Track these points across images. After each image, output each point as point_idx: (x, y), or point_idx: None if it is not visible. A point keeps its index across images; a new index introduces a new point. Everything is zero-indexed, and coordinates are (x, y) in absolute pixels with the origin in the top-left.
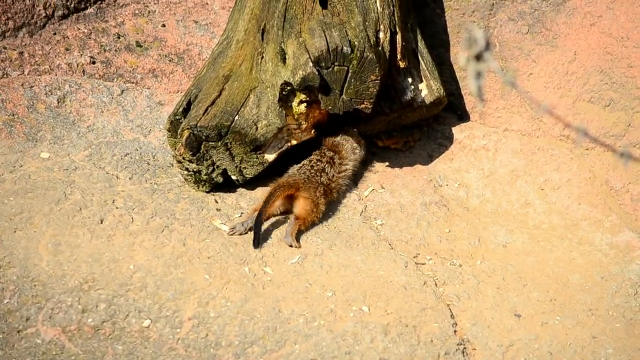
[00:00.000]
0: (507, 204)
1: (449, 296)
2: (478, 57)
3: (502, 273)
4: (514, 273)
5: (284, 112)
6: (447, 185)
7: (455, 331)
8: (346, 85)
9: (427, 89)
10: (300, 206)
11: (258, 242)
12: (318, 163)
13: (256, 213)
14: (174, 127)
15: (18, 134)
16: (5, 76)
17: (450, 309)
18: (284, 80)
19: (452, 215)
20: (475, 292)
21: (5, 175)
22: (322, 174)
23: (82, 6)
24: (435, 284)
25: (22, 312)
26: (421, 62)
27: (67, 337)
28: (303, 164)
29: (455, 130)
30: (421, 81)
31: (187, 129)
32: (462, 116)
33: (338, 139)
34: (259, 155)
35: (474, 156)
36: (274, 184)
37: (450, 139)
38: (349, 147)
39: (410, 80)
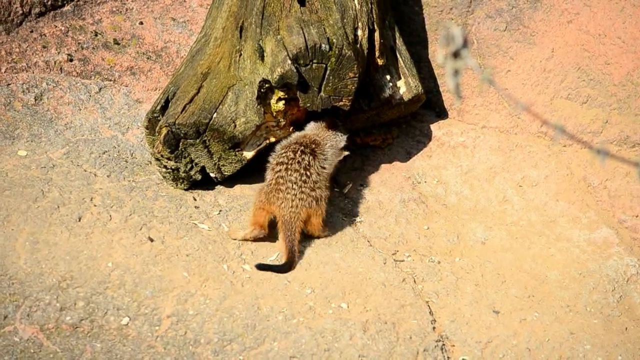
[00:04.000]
0: (486, 200)
1: (428, 293)
2: (456, 55)
3: (480, 270)
4: (492, 270)
5: (262, 109)
6: (425, 182)
7: (434, 328)
8: (324, 82)
9: (406, 86)
10: (313, 224)
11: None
12: (312, 176)
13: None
14: (152, 124)
15: None
16: None
17: (429, 306)
18: (262, 78)
19: (431, 212)
20: (454, 289)
21: None
22: (318, 183)
23: (59, 4)
24: (414, 281)
25: (0, 310)
26: (399, 59)
27: (45, 335)
28: (302, 184)
29: (434, 127)
30: (399, 78)
31: (165, 126)
32: (441, 113)
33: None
34: (237, 153)
35: (452, 153)
36: (287, 232)
37: (428, 136)
38: (328, 143)
39: (388, 77)
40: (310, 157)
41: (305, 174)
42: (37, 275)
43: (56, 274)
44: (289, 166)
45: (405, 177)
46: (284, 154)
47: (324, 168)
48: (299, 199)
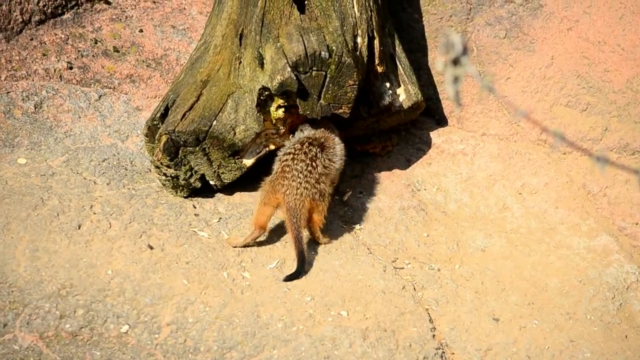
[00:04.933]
0: (485, 208)
1: (428, 300)
2: (455, 62)
3: (480, 277)
4: (492, 277)
5: (262, 117)
6: (425, 189)
7: (433, 335)
8: (324, 90)
9: (405, 94)
10: (314, 221)
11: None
12: (317, 167)
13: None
14: (151, 132)
15: None
16: None
17: (428, 314)
18: (262, 85)
19: (431, 220)
20: (454, 297)
21: None
22: (323, 177)
23: (59, 12)
24: (414, 289)
25: (0, 318)
26: (399, 66)
27: (45, 343)
28: (308, 174)
29: (433, 134)
30: (399, 86)
31: (165, 134)
32: (440, 121)
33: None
34: (237, 161)
35: (452, 160)
36: (293, 218)
37: (428, 144)
38: (334, 138)
39: (388, 85)
40: (318, 150)
41: (312, 164)
42: (37, 283)
43: (56, 281)
44: (296, 156)
45: (405, 184)
46: (292, 146)
47: (333, 162)
48: (304, 188)
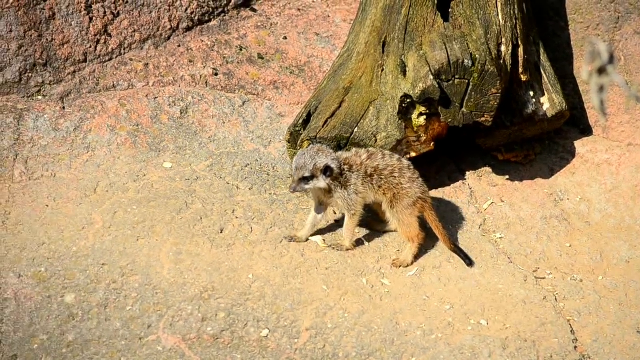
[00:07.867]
0: (631, 219)
1: (570, 311)
2: (601, 71)
3: (624, 289)
4: (637, 289)
5: (404, 124)
6: (568, 199)
7: (575, 347)
8: (466, 98)
9: (549, 103)
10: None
11: (470, 260)
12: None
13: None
14: (293, 138)
15: (142, 144)
16: (130, 87)
17: (570, 325)
18: (404, 93)
19: (573, 230)
20: (597, 308)
21: (129, 184)
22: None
23: (206, 19)
24: (555, 299)
25: (144, 319)
26: (543, 75)
27: (187, 345)
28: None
29: (578, 144)
30: (543, 95)
31: (307, 140)
32: (585, 130)
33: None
34: None
35: (597, 170)
36: (435, 216)
37: (572, 153)
38: None
39: (531, 93)
40: None
41: None
42: (180, 286)
43: (198, 284)
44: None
45: (548, 193)
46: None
47: None
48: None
